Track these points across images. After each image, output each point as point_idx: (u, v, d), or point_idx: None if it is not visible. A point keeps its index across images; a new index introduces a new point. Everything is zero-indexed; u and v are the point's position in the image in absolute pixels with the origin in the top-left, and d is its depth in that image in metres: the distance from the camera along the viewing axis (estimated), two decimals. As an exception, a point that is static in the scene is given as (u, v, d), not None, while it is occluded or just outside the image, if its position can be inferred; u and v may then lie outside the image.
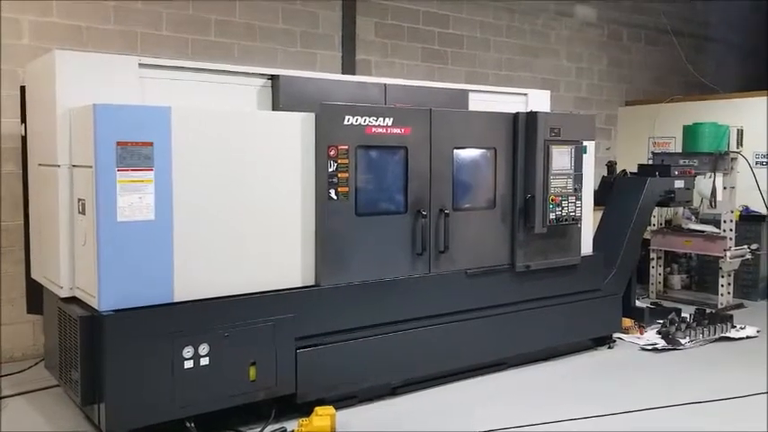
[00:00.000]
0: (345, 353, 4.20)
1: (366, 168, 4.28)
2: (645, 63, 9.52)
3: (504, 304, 4.91)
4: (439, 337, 4.59)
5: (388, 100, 4.69)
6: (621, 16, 9.20)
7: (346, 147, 4.15)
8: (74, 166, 3.78)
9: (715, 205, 6.86)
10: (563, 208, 4.93)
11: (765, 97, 7.59)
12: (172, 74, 4.09)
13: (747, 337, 5.94)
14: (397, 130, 4.35)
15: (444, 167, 4.58)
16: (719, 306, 6.85)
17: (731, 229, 6.83)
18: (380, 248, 4.33)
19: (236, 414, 3.92)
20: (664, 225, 7.40)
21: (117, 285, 3.53)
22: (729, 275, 6.95)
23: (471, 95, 5.19)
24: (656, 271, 7.53)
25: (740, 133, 6.98)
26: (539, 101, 5.60)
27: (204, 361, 3.71)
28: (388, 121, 4.31)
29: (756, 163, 7.40)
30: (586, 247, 5.36)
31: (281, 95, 4.32)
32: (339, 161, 4.12)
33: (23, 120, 4.53)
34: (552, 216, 4.88)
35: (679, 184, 6.10)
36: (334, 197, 4.12)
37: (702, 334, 5.84)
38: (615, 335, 5.72)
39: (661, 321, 6.06)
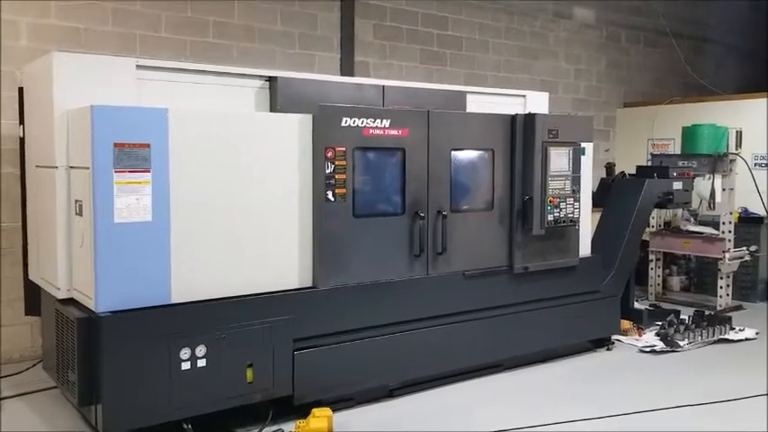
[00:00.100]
0: (343, 354, 4.20)
1: (364, 170, 4.28)
2: (643, 64, 9.52)
3: (502, 306, 4.91)
4: (437, 339, 4.58)
5: (386, 101, 4.69)
6: (620, 18, 9.21)
7: (344, 148, 4.15)
8: (71, 167, 3.78)
9: (714, 207, 6.86)
10: (561, 209, 4.93)
11: (764, 99, 7.59)
12: (169, 75, 4.10)
13: (746, 339, 5.93)
14: (394, 132, 4.35)
15: (442, 169, 4.58)
16: (718, 308, 6.85)
17: (730, 231, 6.83)
18: (378, 250, 4.33)
19: (233, 416, 3.92)
20: (663, 227, 7.40)
21: (114, 287, 3.53)
22: (728, 277, 6.95)
23: (469, 97, 5.19)
24: (655, 273, 7.52)
25: (739, 135, 6.98)
26: (537, 102, 5.60)
27: (201, 362, 3.71)
28: (386, 123, 4.31)
29: (755, 164, 7.40)
30: (585, 248, 5.36)
31: (279, 97, 4.32)
32: (336, 163, 4.13)
33: (21, 121, 4.54)
34: (550, 218, 4.88)
35: (677, 185, 6.10)
36: (332, 199, 4.12)
37: (701, 336, 5.83)
38: (614, 337, 5.72)
39: (660, 323, 6.06)
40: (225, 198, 3.84)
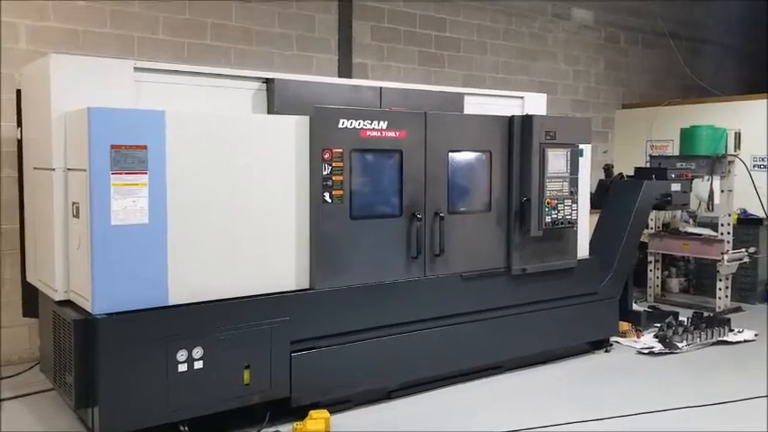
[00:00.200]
0: (340, 356, 4.19)
1: (361, 171, 4.28)
2: (642, 66, 9.53)
3: (500, 307, 4.91)
4: (435, 341, 4.58)
5: (384, 103, 4.69)
6: (619, 19, 9.22)
7: (341, 150, 4.15)
8: (68, 169, 3.79)
9: (712, 208, 6.86)
10: (559, 211, 4.93)
11: (763, 100, 7.59)
12: (167, 77, 4.10)
13: (745, 341, 5.93)
14: (391, 134, 4.36)
15: (439, 170, 4.58)
16: (717, 309, 6.84)
17: (729, 233, 6.83)
18: (375, 252, 4.33)
19: (230, 418, 3.91)
20: (661, 228, 7.40)
21: (111, 289, 3.53)
22: (727, 279, 6.95)
23: (467, 99, 5.19)
24: (653, 274, 7.52)
25: (738, 136, 6.98)
26: (535, 104, 5.60)
27: (198, 364, 3.71)
28: (383, 125, 4.31)
29: (754, 166, 7.40)
30: (583, 250, 5.36)
31: (276, 99, 4.32)
32: (334, 164, 4.13)
33: (19, 123, 4.54)
34: (548, 219, 4.88)
35: (676, 187, 6.10)
36: (329, 200, 4.12)
37: (700, 338, 5.83)
38: (612, 338, 5.71)
39: (658, 325, 6.05)
40: (222, 200, 3.84)
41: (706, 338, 5.85)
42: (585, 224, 5.40)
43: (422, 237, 4.48)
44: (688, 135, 7.02)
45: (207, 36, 6.02)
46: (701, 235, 7.00)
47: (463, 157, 4.77)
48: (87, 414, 3.68)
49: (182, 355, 3.66)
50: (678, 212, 7.21)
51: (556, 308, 5.19)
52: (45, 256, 4.02)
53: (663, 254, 7.48)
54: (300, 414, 3.99)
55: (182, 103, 4.05)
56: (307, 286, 4.15)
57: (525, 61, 8.29)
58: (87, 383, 3.56)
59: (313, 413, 3.92)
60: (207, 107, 4.15)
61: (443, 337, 4.62)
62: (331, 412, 4.02)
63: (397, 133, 4.38)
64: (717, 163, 6.79)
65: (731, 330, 6.07)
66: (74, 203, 3.70)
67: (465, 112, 5.07)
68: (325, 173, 4.10)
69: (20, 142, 4.54)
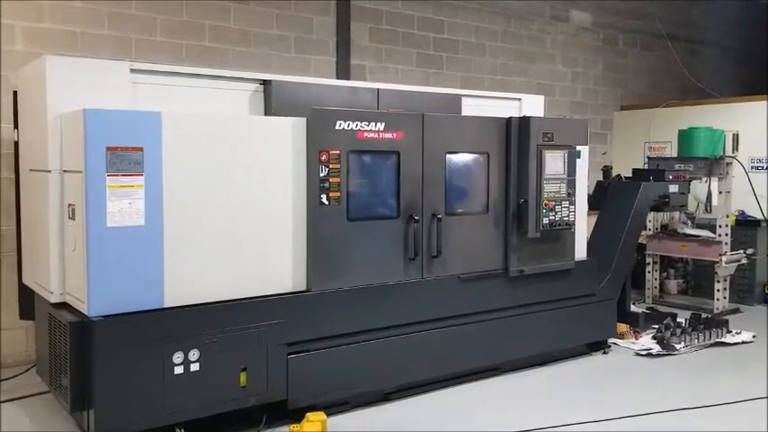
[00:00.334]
0: (337, 359, 4.18)
1: (358, 173, 4.28)
2: (640, 67, 9.53)
3: (498, 309, 4.90)
4: (432, 343, 4.57)
5: (381, 105, 4.68)
6: (617, 21, 9.22)
7: (338, 152, 4.15)
8: (64, 171, 3.77)
9: (710, 210, 6.86)
10: (556, 213, 4.93)
11: (761, 102, 7.59)
12: (164, 79, 4.09)
13: (743, 343, 5.92)
14: (389, 135, 4.35)
15: (437, 172, 4.57)
16: (715, 311, 6.84)
17: (727, 234, 6.83)
18: (372, 253, 4.32)
19: (226, 420, 3.90)
20: (660, 230, 7.39)
21: (107, 291, 3.52)
22: (725, 280, 6.95)
23: (465, 100, 5.19)
24: (652, 276, 7.52)
25: (736, 138, 6.97)
26: (533, 106, 5.60)
27: (194, 367, 3.70)
28: (380, 126, 4.31)
29: (752, 167, 7.40)
30: (580, 251, 5.35)
31: (273, 100, 4.31)
32: (330, 166, 4.12)
33: (16, 125, 4.53)
34: (545, 221, 4.87)
35: (673, 188, 6.10)
36: (326, 202, 4.12)
37: (698, 339, 5.82)
38: (610, 340, 5.70)
39: (656, 326, 6.05)
40: (218, 202, 3.83)
41: (704, 340, 5.84)
42: (583, 226, 5.39)
43: (419, 238, 4.48)
44: (686, 136, 7.02)
45: (205, 38, 6.01)
46: (699, 236, 7.00)
47: (460, 158, 4.76)
48: (83, 417, 3.66)
49: (178, 357, 3.65)
50: (676, 214, 7.21)
51: (553, 309, 5.18)
52: (41, 258, 4.01)
53: (661, 255, 7.48)
54: (297, 416, 3.97)
55: (178, 104, 4.05)
56: (303, 288, 4.14)
57: (523, 63, 8.29)
58: (83, 386, 3.55)
59: (310, 415, 3.91)
60: (204, 109, 4.14)
61: (441, 338, 4.61)
62: (328, 414, 4.01)
63: (395, 135, 4.38)
64: (715, 164, 6.78)
65: (729, 332, 6.07)
66: (70, 205, 3.69)
67: (462, 114, 5.07)
68: (322, 174, 4.09)
69: (17, 144, 4.53)
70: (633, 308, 6.25)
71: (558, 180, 4.93)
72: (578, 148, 5.12)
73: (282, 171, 4.05)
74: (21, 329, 5.14)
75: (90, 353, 3.49)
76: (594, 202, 5.96)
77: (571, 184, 5.01)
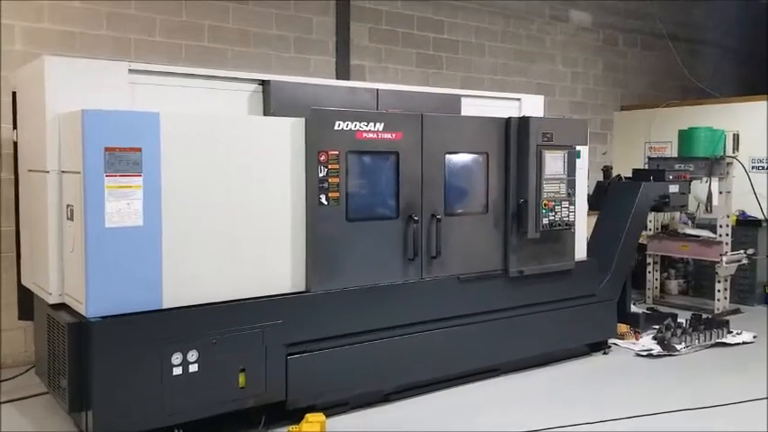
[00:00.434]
0: (336, 359, 4.17)
1: (357, 173, 4.27)
2: (640, 67, 9.52)
3: (498, 310, 4.88)
4: (432, 344, 4.56)
5: (380, 105, 4.67)
6: (617, 21, 9.21)
7: (337, 152, 4.14)
8: (63, 171, 3.76)
9: (711, 210, 6.85)
10: (556, 213, 4.91)
11: (761, 102, 7.57)
12: (162, 79, 4.08)
13: (743, 343, 5.91)
14: (388, 135, 4.34)
15: (436, 172, 4.56)
16: (716, 311, 6.82)
17: (727, 234, 6.81)
18: (372, 254, 4.31)
19: (225, 421, 3.89)
20: (660, 230, 7.38)
21: (105, 292, 3.51)
22: (726, 280, 6.93)
23: (464, 101, 5.17)
24: (652, 276, 7.51)
25: (736, 138, 6.96)
26: (532, 106, 5.59)
27: (193, 368, 3.69)
28: (379, 126, 4.30)
29: (753, 167, 7.38)
30: (580, 252, 5.34)
31: (272, 101, 4.31)
32: (329, 166, 4.11)
33: (15, 125, 4.53)
34: (545, 221, 4.86)
35: (673, 188, 6.08)
36: (325, 202, 4.11)
37: (698, 339, 5.81)
38: (610, 340, 5.69)
39: (657, 327, 6.03)
40: (217, 202, 3.82)
41: (705, 340, 5.83)
42: (583, 226, 5.38)
43: (418, 239, 4.47)
44: (686, 136, 7.00)
45: (204, 38, 6.01)
46: (699, 237, 6.99)
47: (460, 158, 4.75)
48: (81, 418, 3.66)
49: (176, 358, 3.64)
50: (677, 214, 7.20)
51: (554, 310, 5.17)
52: (39, 259, 4.00)
53: (661, 255, 7.46)
54: (296, 417, 3.97)
55: (177, 105, 4.04)
56: (303, 289, 4.13)
57: (523, 63, 8.28)
58: (81, 387, 3.54)
59: (309, 416, 3.90)
60: (202, 109, 4.14)
61: (440, 339, 4.60)
62: (327, 415, 4.00)
63: (394, 135, 4.37)
64: (715, 164, 6.77)
65: (730, 332, 6.05)
66: (68, 206, 3.69)
67: (462, 114, 5.06)
68: (321, 175, 4.09)
69: (16, 144, 4.53)
70: (633, 308, 6.24)
71: (557, 180, 4.92)
72: (578, 148, 5.11)
73: (281, 171, 4.04)
74: (20, 330, 5.14)
75: (88, 354, 3.48)
76: (594, 203, 5.95)
77: (571, 184, 5.00)
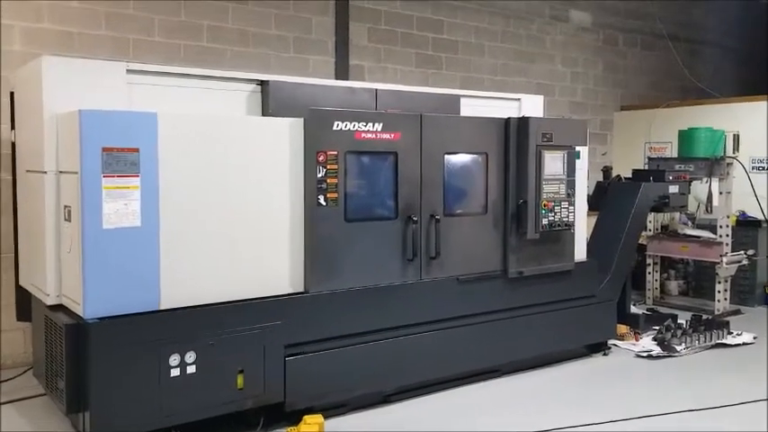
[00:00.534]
0: (335, 360, 4.16)
1: (356, 174, 4.26)
2: (640, 68, 9.50)
3: (497, 311, 4.87)
4: (431, 345, 4.55)
5: (379, 105, 4.66)
6: (617, 21, 9.20)
7: (335, 152, 4.12)
8: (60, 172, 3.75)
9: (711, 210, 6.83)
10: (556, 213, 4.90)
11: (761, 102, 7.56)
12: (160, 80, 4.07)
13: (744, 344, 5.89)
14: (386, 136, 4.33)
15: (435, 173, 4.55)
16: (716, 312, 6.81)
17: (727, 235, 6.80)
18: (370, 255, 4.30)
19: (223, 423, 3.87)
20: (660, 230, 7.37)
21: (102, 293, 3.49)
22: (726, 281, 6.92)
23: (464, 101, 5.16)
24: (652, 277, 7.49)
25: (736, 138, 6.94)
26: (532, 106, 5.57)
27: (191, 369, 3.68)
28: (378, 127, 4.28)
29: (753, 168, 7.37)
30: (580, 252, 5.33)
31: (271, 101, 4.29)
32: (328, 167, 4.10)
33: (13, 126, 4.51)
34: (545, 222, 4.85)
35: (673, 189, 6.07)
36: (323, 203, 4.09)
37: (698, 340, 5.79)
38: (610, 341, 5.68)
39: (657, 328, 6.02)
40: (215, 203, 3.81)
41: (705, 341, 5.82)
42: (583, 226, 5.37)
43: (417, 239, 4.45)
44: (686, 137, 6.99)
45: (203, 38, 5.99)
46: (699, 237, 6.97)
47: (459, 159, 4.74)
48: (79, 419, 3.65)
49: (174, 359, 3.63)
50: (677, 214, 7.19)
51: (553, 311, 5.15)
52: (37, 260, 3.99)
53: (661, 256, 7.45)
54: (294, 419, 3.96)
55: (175, 105, 4.03)
56: (301, 290, 4.11)
57: (523, 63, 8.26)
58: (79, 388, 3.53)
59: (307, 418, 3.89)
60: (201, 109, 4.12)
61: (440, 340, 4.59)
62: (326, 417, 3.99)
63: (393, 135, 4.35)
64: (715, 165, 6.76)
65: (730, 333, 6.04)
66: (66, 207, 3.67)
67: (461, 114, 5.04)
68: (319, 175, 4.07)
69: (14, 145, 4.52)
70: (633, 309, 6.22)
71: (557, 180, 4.91)
72: (578, 148, 5.10)
73: (280, 172, 4.03)
74: (19, 331, 5.12)
75: (86, 355, 3.47)
76: (594, 203, 5.94)
77: (570, 184, 4.99)
